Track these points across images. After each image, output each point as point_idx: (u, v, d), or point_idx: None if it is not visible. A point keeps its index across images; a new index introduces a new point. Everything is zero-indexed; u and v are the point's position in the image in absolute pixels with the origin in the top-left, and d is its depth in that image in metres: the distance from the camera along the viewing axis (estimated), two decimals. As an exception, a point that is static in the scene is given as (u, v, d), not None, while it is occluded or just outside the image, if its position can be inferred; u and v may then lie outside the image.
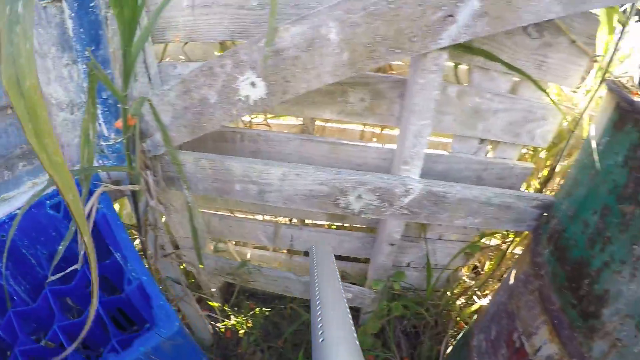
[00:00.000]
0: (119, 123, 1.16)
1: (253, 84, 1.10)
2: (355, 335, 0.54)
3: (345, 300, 0.63)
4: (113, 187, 1.19)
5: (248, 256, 1.79)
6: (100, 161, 1.31)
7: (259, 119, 1.66)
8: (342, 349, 0.51)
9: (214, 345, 1.79)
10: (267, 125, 1.60)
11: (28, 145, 1.31)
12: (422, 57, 1.06)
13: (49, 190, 1.22)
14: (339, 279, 0.71)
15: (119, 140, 1.27)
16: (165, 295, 1.38)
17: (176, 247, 1.56)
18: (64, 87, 1.20)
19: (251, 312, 1.69)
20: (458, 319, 1.80)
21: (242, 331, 1.68)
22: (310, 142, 1.41)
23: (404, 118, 1.26)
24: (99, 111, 1.23)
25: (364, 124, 1.60)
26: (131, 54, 1.03)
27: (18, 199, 1.24)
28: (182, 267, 1.63)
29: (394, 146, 1.42)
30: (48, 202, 1.20)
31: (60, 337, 1.05)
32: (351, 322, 0.57)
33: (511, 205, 1.29)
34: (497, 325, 1.37)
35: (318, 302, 0.62)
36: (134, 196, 1.27)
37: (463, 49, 1.14)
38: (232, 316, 1.67)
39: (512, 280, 1.36)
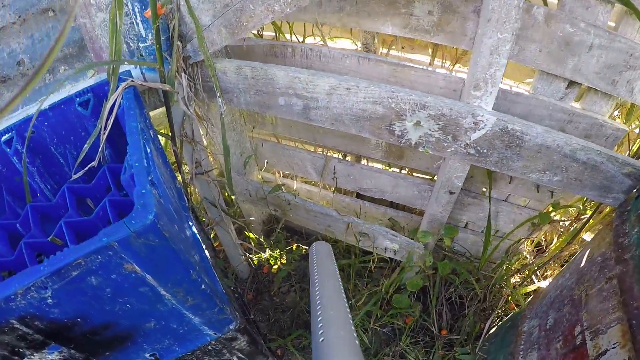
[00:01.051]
0: (147, 12, 0.98)
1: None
2: (355, 335, 0.52)
3: (346, 300, 0.60)
4: (139, 81, 1.02)
5: (294, 189, 1.58)
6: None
7: (312, 40, 1.41)
8: (342, 349, 0.49)
9: (249, 279, 1.63)
10: (324, 45, 1.35)
11: (70, 49, 1.20)
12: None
13: (80, 87, 1.09)
14: (339, 279, 0.68)
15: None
16: (191, 213, 1.22)
17: (220, 175, 1.39)
18: (102, -15, 1.04)
19: (288, 248, 1.49)
20: (509, 298, 1.46)
21: (275, 266, 1.49)
22: (369, 62, 1.14)
23: (478, 34, 0.96)
24: (136, 9, 1.06)
25: (432, 54, 1.29)
26: None
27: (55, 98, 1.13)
28: (225, 193, 1.46)
29: (465, 74, 1.11)
30: (77, 99, 1.07)
31: (65, 233, 0.91)
32: (351, 322, 0.55)
33: (599, 165, 0.97)
34: (557, 312, 1.06)
35: (318, 302, 0.60)
36: (165, 100, 1.10)
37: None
38: (267, 249, 1.48)
39: (583, 262, 1.04)
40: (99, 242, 0.58)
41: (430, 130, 1.01)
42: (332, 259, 0.79)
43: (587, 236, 1.33)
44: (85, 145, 1.02)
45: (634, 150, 1.29)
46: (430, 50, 1.32)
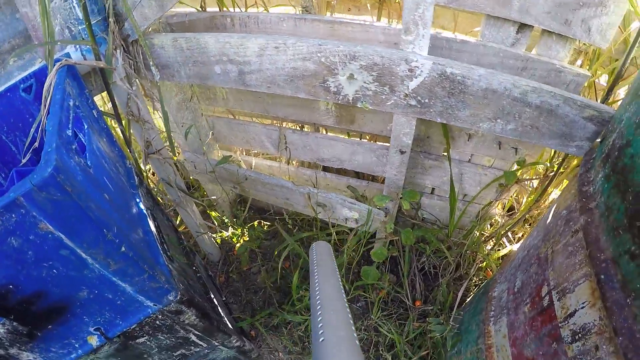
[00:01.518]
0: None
1: None
2: (355, 335, 0.50)
3: (346, 300, 0.59)
4: (72, 61, 1.00)
5: (253, 165, 1.54)
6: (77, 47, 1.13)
7: (255, 10, 1.37)
8: (342, 349, 0.48)
9: (220, 262, 1.60)
10: (266, 11, 1.31)
11: (16, 40, 1.20)
12: None
13: (23, 74, 1.09)
14: (339, 279, 0.66)
15: (94, 21, 1.09)
16: (141, 193, 1.20)
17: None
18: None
19: (250, 225, 1.45)
20: (484, 264, 1.39)
21: (238, 245, 1.45)
22: (306, 22, 1.10)
23: None
24: None
25: (378, 12, 1.24)
26: None
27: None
28: (190, 177, 1.43)
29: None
30: (21, 85, 1.07)
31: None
32: (351, 322, 0.53)
33: (555, 109, 0.88)
34: (524, 274, 0.99)
35: (318, 302, 0.59)
36: (104, 77, 1.08)
37: None
38: (230, 227, 1.45)
39: (549, 218, 0.95)
40: (7, 197, 0.58)
41: (365, 82, 0.96)
42: (332, 258, 0.76)
43: (556, 194, 1.25)
44: (31, 129, 1.01)
45: (607, 88, 1.20)
46: (375, 11, 1.27)
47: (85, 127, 0.97)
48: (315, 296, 0.62)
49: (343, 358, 0.46)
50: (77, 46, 1.13)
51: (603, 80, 1.32)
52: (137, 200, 1.11)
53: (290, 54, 0.96)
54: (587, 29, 0.94)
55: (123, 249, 0.76)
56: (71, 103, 0.94)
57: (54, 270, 0.72)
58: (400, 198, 1.18)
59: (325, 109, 1.25)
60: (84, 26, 1.10)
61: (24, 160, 1.06)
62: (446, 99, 0.94)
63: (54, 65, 1.02)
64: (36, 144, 1.02)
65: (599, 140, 0.89)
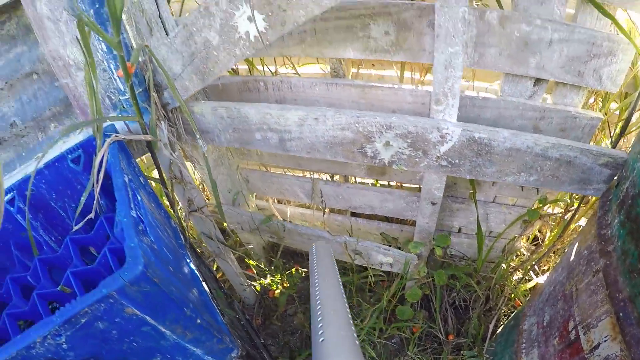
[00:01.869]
0: (120, 72, 1.03)
1: (250, 18, 0.90)
2: (355, 335, 0.51)
3: (346, 300, 0.59)
4: (122, 136, 1.07)
5: (288, 214, 1.60)
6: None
7: (285, 69, 1.45)
8: (342, 348, 0.48)
9: (256, 305, 1.65)
10: (297, 74, 1.38)
11: (57, 107, 1.28)
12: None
13: (70, 144, 1.16)
14: (339, 279, 0.67)
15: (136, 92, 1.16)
16: (188, 250, 1.26)
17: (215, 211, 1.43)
18: (79, 47, 1.11)
19: (288, 272, 1.51)
20: (511, 296, 1.45)
21: (277, 291, 1.51)
22: (337, 87, 1.17)
23: (435, 50, 0.97)
24: (112, 66, 1.12)
25: (401, 69, 1.31)
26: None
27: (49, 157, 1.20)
28: (224, 224, 1.50)
29: (431, 88, 1.13)
30: (69, 156, 1.14)
31: (72, 282, 0.98)
32: (351, 322, 0.54)
33: (573, 160, 0.95)
34: (552, 309, 1.06)
35: (318, 302, 0.59)
36: (150, 147, 1.15)
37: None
38: (268, 275, 1.51)
39: (572, 256, 1.02)
40: (99, 292, 0.65)
41: (400, 148, 1.03)
42: (332, 259, 0.78)
43: (584, 221, 1.31)
44: (82, 199, 1.08)
45: (617, 133, 1.27)
46: (399, 65, 1.34)
47: (139, 198, 1.03)
48: (315, 296, 0.62)
49: (343, 358, 0.46)
50: (119, 115, 1.20)
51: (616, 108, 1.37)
52: (188, 260, 1.17)
53: (330, 125, 1.03)
54: (598, 78, 1.01)
55: (198, 321, 0.83)
56: (126, 179, 1.01)
57: (134, 344, 0.79)
58: (433, 244, 1.24)
59: (356, 163, 1.32)
60: (126, 97, 1.17)
61: (75, 227, 1.12)
62: (474, 159, 1.01)
63: (103, 139, 1.10)
64: (91, 215, 1.09)
65: (614, 182, 0.95)
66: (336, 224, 1.54)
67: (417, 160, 1.04)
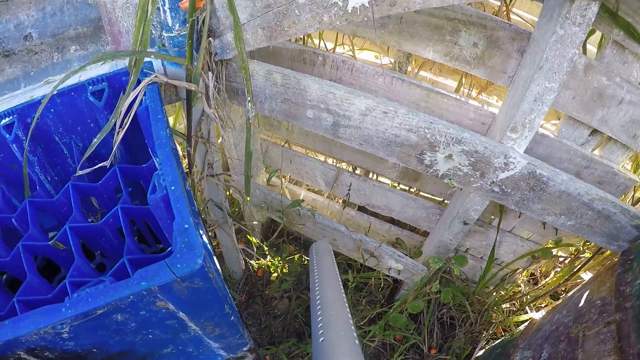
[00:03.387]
0: (184, 3, 0.88)
1: (358, -14, 0.79)
2: (355, 335, 0.50)
3: (345, 300, 0.57)
4: (164, 78, 0.92)
5: (301, 197, 1.51)
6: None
7: (341, 49, 1.34)
8: (342, 348, 0.46)
9: (242, 281, 1.56)
10: (353, 57, 1.27)
11: (84, 28, 1.08)
12: (569, 1, 0.73)
13: (94, 74, 0.98)
14: (339, 279, 0.64)
15: (183, 32, 1.00)
16: (201, 219, 1.14)
17: (227, 169, 1.30)
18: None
19: (289, 257, 1.43)
20: (503, 323, 1.47)
21: (274, 274, 1.43)
22: (402, 83, 1.09)
23: (521, 77, 0.94)
24: None
25: (462, 80, 1.25)
26: None
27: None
28: (228, 192, 1.38)
29: (496, 110, 1.08)
30: (90, 87, 0.95)
31: (70, 240, 0.82)
32: (351, 321, 0.52)
33: (612, 216, 0.97)
34: (552, 347, 1.07)
35: (318, 302, 0.58)
36: (188, 99, 1.01)
37: (607, 13, 0.81)
38: (268, 256, 1.42)
39: (582, 302, 1.05)
40: (136, 286, 0.51)
41: (460, 164, 0.98)
42: (332, 258, 0.77)
43: (584, 275, 1.35)
44: (95, 140, 0.92)
45: (638, 197, 1.31)
46: (458, 77, 1.28)
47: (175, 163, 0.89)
48: (315, 296, 0.62)
49: (343, 357, 0.45)
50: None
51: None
52: (201, 232, 1.05)
53: (397, 122, 0.95)
54: None
55: (232, 318, 0.73)
56: (167, 131, 0.87)
57: (150, 336, 0.68)
58: (453, 263, 1.22)
59: (393, 163, 1.25)
60: (171, 34, 1.02)
61: (79, 172, 0.97)
62: (526, 193, 0.99)
63: (139, 77, 0.94)
64: (107, 164, 0.93)
65: (638, 244, 0.98)
66: (347, 217, 1.48)
67: (472, 180, 1.00)
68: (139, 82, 0.92)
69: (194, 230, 0.58)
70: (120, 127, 0.91)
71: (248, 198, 1.10)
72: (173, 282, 0.52)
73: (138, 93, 0.91)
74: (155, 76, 0.94)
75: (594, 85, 0.95)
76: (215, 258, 1.09)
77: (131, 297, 0.53)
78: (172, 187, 0.66)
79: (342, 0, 0.82)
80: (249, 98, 0.98)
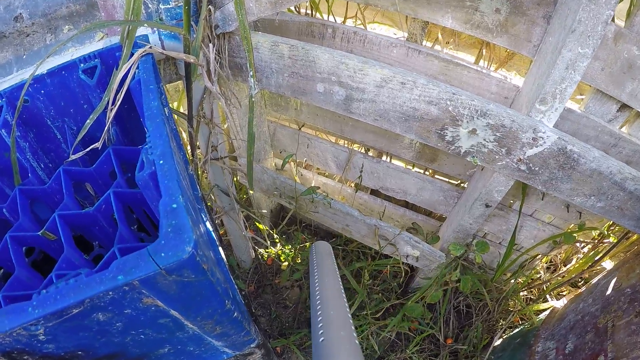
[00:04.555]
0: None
1: None
2: (355, 335, 0.49)
3: (346, 300, 0.57)
4: (159, 49, 0.82)
5: (313, 183, 1.40)
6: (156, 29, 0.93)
7: (351, 22, 1.22)
8: (342, 348, 0.45)
9: (251, 270, 1.47)
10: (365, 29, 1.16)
11: (76, 5, 0.98)
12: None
13: (86, 51, 0.88)
14: (339, 279, 0.64)
15: (181, 2, 0.89)
16: (205, 205, 1.04)
17: (233, 152, 1.20)
18: None
19: (301, 245, 1.33)
20: (522, 312, 1.36)
21: (285, 263, 1.33)
22: (419, 54, 0.97)
23: (549, 44, 0.83)
24: None
25: (481, 52, 1.13)
26: None
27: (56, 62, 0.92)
28: (235, 177, 1.28)
29: (520, 83, 0.97)
30: (81, 65, 0.85)
31: (59, 228, 0.72)
32: (351, 321, 0.51)
33: None
34: (578, 338, 0.98)
35: (318, 302, 0.57)
36: (187, 74, 0.91)
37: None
38: (278, 244, 1.32)
39: (610, 290, 0.97)
40: (111, 280, 0.40)
41: (485, 140, 0.87)
42: (332, 258, 0.74)
43: (605, 263, 1.24)
44: (88, 121, 0.82)
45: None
46: (476, 52, 1.16)
47: (166, 135, 0.79)
48: (315, 296, 0.60)
49: (343, 358, 0.44)
50: (155, 28, 0.93)
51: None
52: (204, 218, 0.95)
53: (416, 94, 0.84)
54: None
55: (235, 314, 0.63)
56: (161, 104, 0.76)
57: (142, 336, 0.57)
58: (475, 251, 1.11)
59: (409, 142, 1.14)
60: (168, 6, 0.91)
61: (73, 157, 0.87)
62: (555, 171, 0.88)
63: (132, 49, 0.84)
64: (98, 145, 0.83)
65: None
66: (359, 202, 1.37)
67: (497, 157, 0.89)
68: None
69: (184, 211, 0.46)
70: (113, 104, 0.81)
71: (252, 190, 1.00)
72: (157, 275, 0.41)
73: (131, 66, 0.81)
74: (150, 47, 0.84)
75: (624, 56, 0.85)
76: (220, 247, 0.99)
77: (110, 293, 0.42)
78: (161, 161, 0.55)
79: (355, -45, 0.71)
80: (251, 72, 0.87)
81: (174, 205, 0.49)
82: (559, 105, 0.83)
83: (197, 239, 0.46)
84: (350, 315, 0.53)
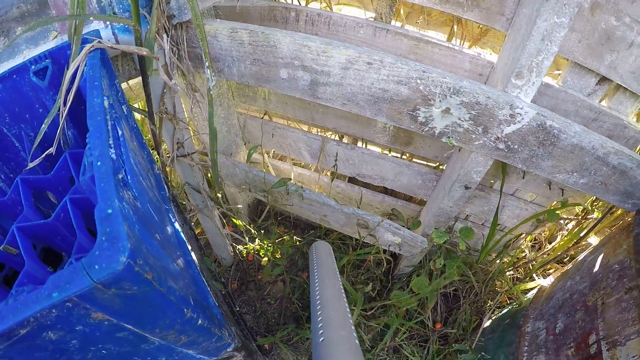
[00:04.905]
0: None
1: None
2: (355, 334, 0.48)
3: (346, 299, 0.56)
4: (108, 43, 0.75)
5: (292, 176, 1.34)
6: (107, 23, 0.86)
7: (316, 5, 1.15)
8: (342, 348, 0.45)
9: (233, 267, 1.41)
10: (330, 10, 1.09)
11: (27, 5, 0.91)
12: None
13: (33, 51, 0.81)
14: (339, 279, 0.64)
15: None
16: (173, 205, 0.98)
17: (203, 154, 1.14)
18: None
19: (279, 239, 1.28)
20: (509, 291, 1.34)
21: (265, 259, 1.28)
22: (387, 33, 0.92)
23: (523, 16, 0.79)
24: None
25: (452, 30, 1.08)
26: None
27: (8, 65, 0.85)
28: (208, 173, 1.22)
29: (495, 58, 0.92)
30: (32, 67, 0.79)
31: (18, 242, 0.66)
32: (351, 321, 0.51)
33: (629, 171, 0.83)
34: (568, 317, 0.97)
35: (318, 302, 0.56)
36: (142, 67, 0.84)
37: None
38: (257, 240, 1.26)
39: (597, 267, 0.94)
40: (47, 299, 0.35)
41: (459, 119, 0.82)
42: (332, 258, 0.73)
43: (592, 238, 1.21)
44: (43, 125, 0.77)
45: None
46: (447, 30, 1.10)
47: (121, 133, 0.72)
48: (315, 296, 0.59)
49: (343, 357, 0.44)
50: (108, 22, 0.86)
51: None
52: (172, 218, 0.89)
53: (384, 74, 0.78)
54: None
55: (200, 322, 0.57)
56: (106, 103, 0.69)
57: (104, 351, 0.52)
58: (459, 237, 1.07)
59: (382, 126, 1.09)
60: (119, -4, 0.84)
61: (30, 165, 0.80)
62: (535, 148, 0.84)
63: (81, 46, 0.77)
64: (52, 150, 0.77)
65: None
66: (337, 190, 1.32)
67: (473, 137, 0.84)
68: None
69: (119, 217, 0.41)
70: (65, 105, 0.75)
71: (217, 189, 0.94)
72: (94, 290, 0.37)
73: (79, 62, 0.74)
74: (98, 41, 0.77)
75: (601, 27, 0.81)
76: (192, 248, 0.94)
77: (54, 311, 0.37)
78: (98, 163, 0.50)
79: None
80: (207, 63, 0.81)
81: (109, 211, 0.43)
82: (536, 79, 0.78)
83: (135, 247, 0.41)
84: (350, 315, 0.52)
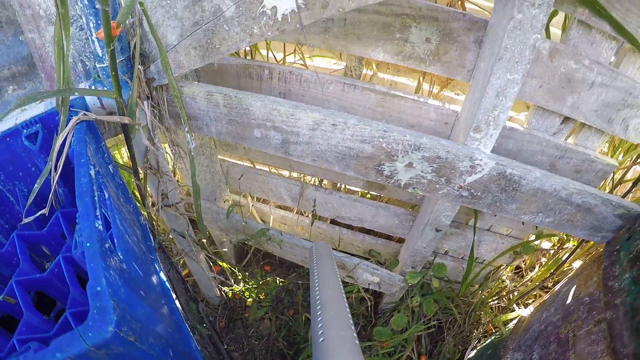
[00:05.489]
0: (100, 32, 0.75)
1: (285, -11, 0.66)
2: (355, 335, 0.48)
3: (346, 300, 0.56)
4: (93, 116, 0.79)
5: (271, 217, 1.37)
6: (94, 87, 0.91)
7: (292, 58, 1.20)
8: (342, 348, 0.45)
9: (221, 306, 1.43)
10: (304, 66, 1.14)
11: (18, 67, 0.97)
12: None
13: (29, 114, 0.86)
14: (339, 279, 0.64)
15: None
16: (158, 254, 1.01)
17: (188, 195, 1.17)
18: (53, -6, 0.81)
19: (263, 281, 1.30)
20: (491, 323, 1.35)
21: (249, 299, 1.30)
22: (355, 89, 0.96)
23: (480, 71, 0.82)
24: (91, 24, 0.83)
25: (420, 80, 1.12)
26: None
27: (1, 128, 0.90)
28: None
29: (458, 108, 0.96)
30: (24, 131, 0.84)
31: (17, 294, 0.71)
32: (351, 322, 0.50)
33: (593, 208, 0.86)
34: (543, 349, 0.98)
35: (318, 302, 0.56)
36: (125, 132, 0.88)
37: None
38: (241, 282, 1.29)
39: (569, 299, 0.96)
40: (51, 358, 0.44)
41: (422, 172, 0.85)
42: (331, 259, 0.73)
43: (576, 263, 1.23)
44: (35, 186, 0.81)
45: (618, 179, 1.20)
46: (418, 75, 1.15)
47: (107, 195, 0.77)
48: (315, 296, 0.60)
49: (343, 358, 0.44)
50: (93, 86, 0.91)
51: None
52: (157, 268, 0.93)
53: (349, 134, 0.82)
54: (625, 127, 0.93)
55: None
56: (92, 173, 0.74)
57: None
58: (432, 275, 1.10)
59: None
60: (103, 65, 0.89)
61: (25, 220, 0.85)
62: (498, 194, 0.87)
63: (68, 115, 0.82)
64: (45, 212, 0.82)
65: (622, 232, 0.89)
66: (318, 231, 1.35)
67: (437, 187, 0.88)
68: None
69: (106, 295, 0.48)
70: (55, 170, 0.79)
71: (203, 239, 0.97)
72: (88, 352, 0.45)
73: (67, 134, 0.79)
74: (84, 114, 0.81)
75: (561, 71, 0.84)
76: (176, 295, 0.97)
77: None
78: (88, 244, 0.55)
79: (270, 8, 0.70)
80: (186, 128, 0.85)
81: (98, 288, 0.50)
82: (494, 131, 0.81)
83: (120, 317, 0.48)
84: (350, 316, 0.52)
